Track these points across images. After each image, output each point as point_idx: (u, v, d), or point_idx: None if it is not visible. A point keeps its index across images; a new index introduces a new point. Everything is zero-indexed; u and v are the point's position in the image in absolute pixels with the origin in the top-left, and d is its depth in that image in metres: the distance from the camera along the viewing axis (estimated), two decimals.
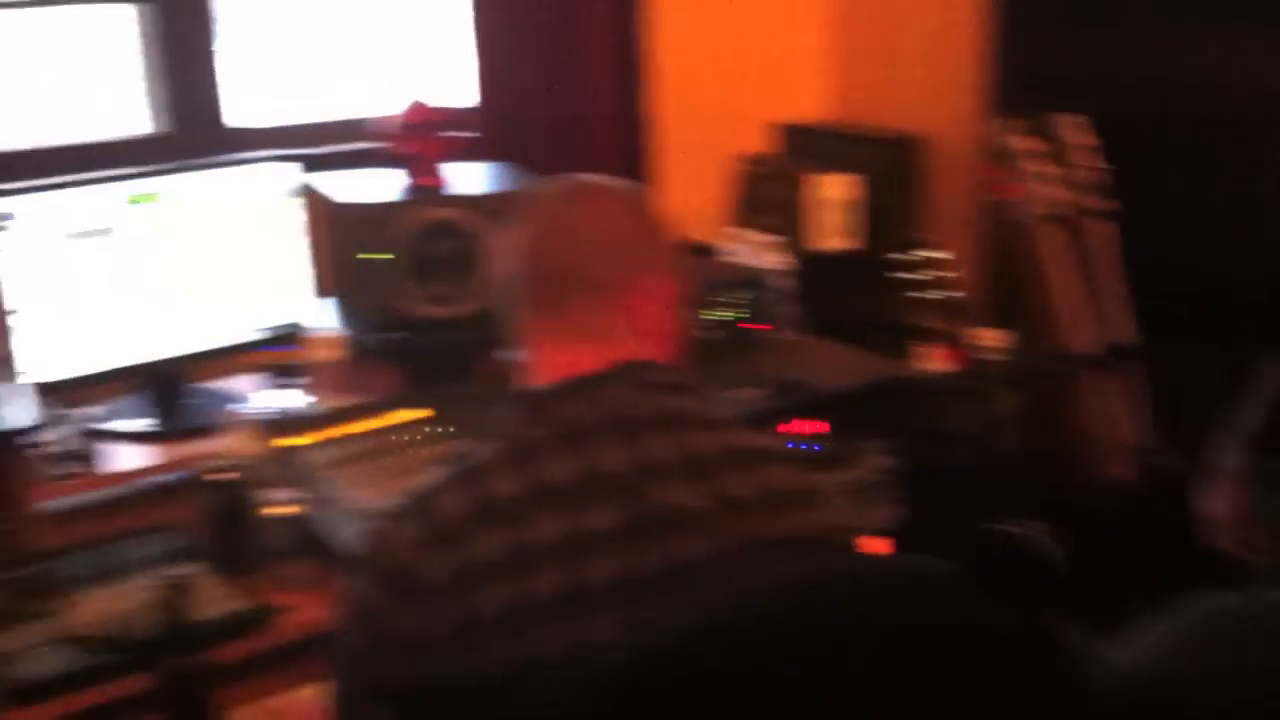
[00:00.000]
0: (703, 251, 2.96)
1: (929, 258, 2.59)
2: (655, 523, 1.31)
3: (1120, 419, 2.79)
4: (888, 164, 3.45)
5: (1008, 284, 2.96)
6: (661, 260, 1.46)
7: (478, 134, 2.86)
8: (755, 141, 3.62)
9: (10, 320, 2.17)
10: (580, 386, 1.37)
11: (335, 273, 2.57)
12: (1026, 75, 3.38)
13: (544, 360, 1.42)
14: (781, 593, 1.25)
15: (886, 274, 2.63)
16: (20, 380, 2.18)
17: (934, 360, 2.89)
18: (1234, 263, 3.04)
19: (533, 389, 1.41)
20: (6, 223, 2.14)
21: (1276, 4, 2.88)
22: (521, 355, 1.45)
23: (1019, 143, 2.85)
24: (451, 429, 2.27)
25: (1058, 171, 2.88)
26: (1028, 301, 2.79)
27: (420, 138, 2.57)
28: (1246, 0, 2.92)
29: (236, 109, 2.81)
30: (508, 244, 1.46)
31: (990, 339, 2.89)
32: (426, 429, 2.27)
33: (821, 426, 2.45)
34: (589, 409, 1.35)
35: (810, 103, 3.74)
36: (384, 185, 2.58)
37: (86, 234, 2.22)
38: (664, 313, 1.44)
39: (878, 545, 2.51)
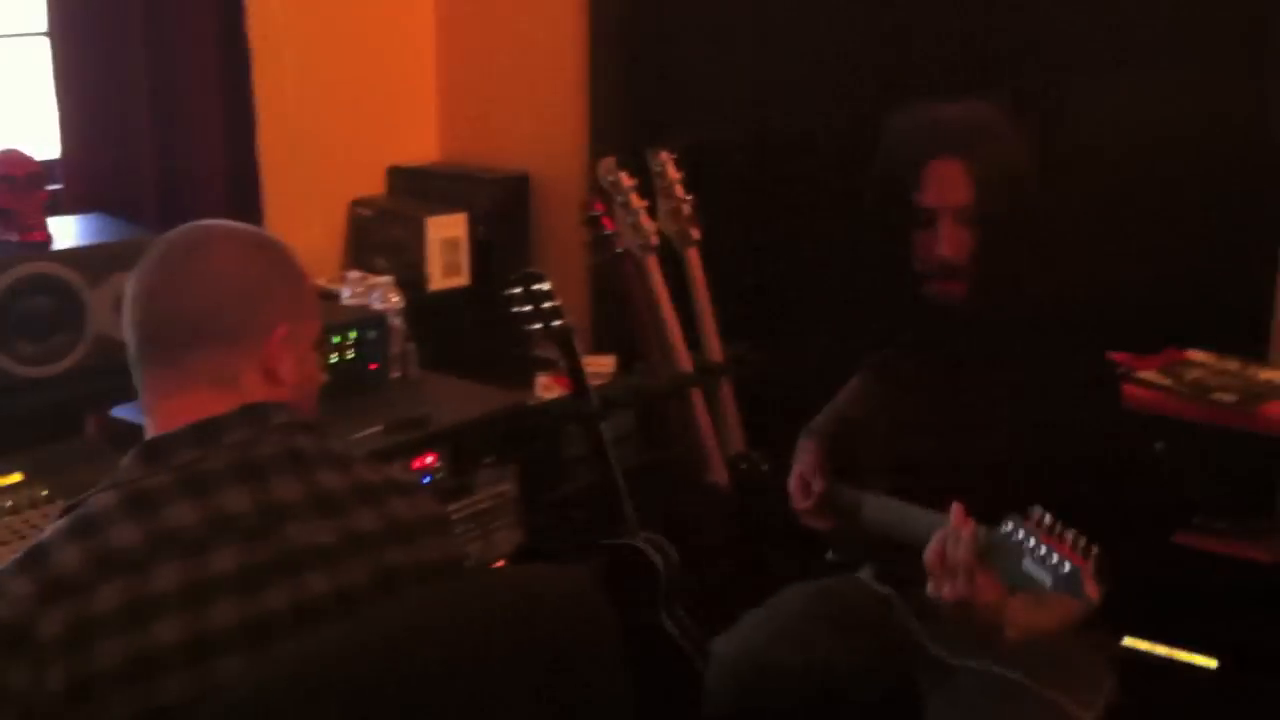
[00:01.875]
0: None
1: (538, 290, 2.69)
2: (282, 563, 1.31)
3: (718, 429, 2.99)
4: (498, 202, 3.55)
5: (614, 312, 3.12)
6: (295, 305, 1.44)
7: (60, 186, 2.78)
8: (367, 184, 3.65)
9: None
10: (201, 431, 1.35)
11: None
12: (625, 113, 3.57)
13: (167, 411, 1.39)
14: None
15: (501, 308, 2.71)
16: None
17: (549, 388, 3.01)
18: (808, 281, 3.32)
19: (153, 437, 1.38)
20: None
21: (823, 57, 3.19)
22: (146, 407, 1.41)
23: (616, 177, 3.00)
24: (45, 492, 2.17)
25: (654, 204, 3.06)
26: (632, 327, 2.94)
27: (11, 190, 2.47)
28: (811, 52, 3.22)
29: None
30: (128, 296, 1.42)
31: (599, 365, 3.03)
32: (17, 495, 2.16)
33: (433, 458, 2.50)
34: (211, 453, 1.33)
35: (421, 145, 3.81)
36: None
37: None
38: (298, 357, 1.43)
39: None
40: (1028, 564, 1.65)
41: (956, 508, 1.75)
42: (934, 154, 1.96)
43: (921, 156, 1.97)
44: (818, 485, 2.08)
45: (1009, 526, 1.68)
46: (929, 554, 1.76)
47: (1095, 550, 1.60)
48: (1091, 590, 1.60)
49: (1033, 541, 1.64)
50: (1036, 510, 1.66)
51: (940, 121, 2.00)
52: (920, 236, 1.98)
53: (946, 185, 1.95)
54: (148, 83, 2.94)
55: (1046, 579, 1.62)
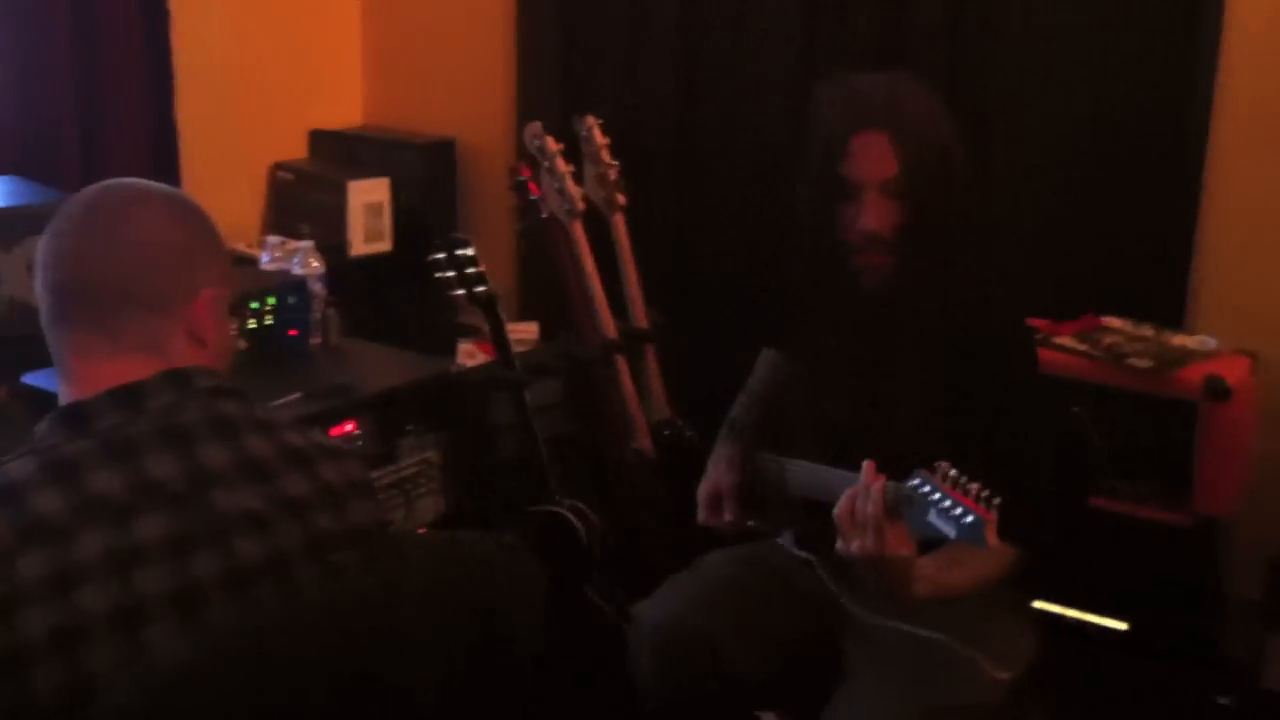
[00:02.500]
0: (238, 260, 2.92)
1: (462, 256, 2.67)
2: (211, 530, 1.29)
3: (644, 397, 2.99)
4: (423, 167, 3.52)
5: (540, 278, 3.11)
6: (215, 268, 1.43)
7: None
8: (288, 148, 3.60)
9: None
10: (125, 396, 1.32)
11: None
12: (552, 78, 3.55)
13: (88, 375, 1.35)
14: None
15: (425, 274, 2.69)
16: None
17: (472, 355, 2.99)
18: (731, 250, 3.34)
19: (73, 402, 1.34)
20: None
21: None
22: (65, 372, 1.38)
23: (542, 141, 2.98)
24: None
25: (580, 170, 3.04)
26: (558, 293, 2.93)
27: None
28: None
29: None
30: (45, 257, 1.38)
31: (523, 332, 3.02)
32: None
33: (353, 425, 2.48)
34: (136, 418, 1.31)
35: (345, 109, 3.76)
36: None
37: None
38: (218, 321, 1.42)
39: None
40: (933, 516, 1.67)
41: (868, 465, 1.77)
42: (859, 127, 1.96)
43: (847, 129, 1.97)
44: (730, 513, 2.10)
45: (916, 480, 1.70)
46: (839, 510, 1.77)
47: (998, 501, 1.62)
48: (993, 540, 1.62)
49: (938, 494, 1.67)
50: (943, 463, 1.68)
51: (866, 94, 2.00)
52: (845, 208, 1.99)
53: (871, 158, 1.95)
54: (67, 45, 2.88)
55: (950, 530, 1.65)
